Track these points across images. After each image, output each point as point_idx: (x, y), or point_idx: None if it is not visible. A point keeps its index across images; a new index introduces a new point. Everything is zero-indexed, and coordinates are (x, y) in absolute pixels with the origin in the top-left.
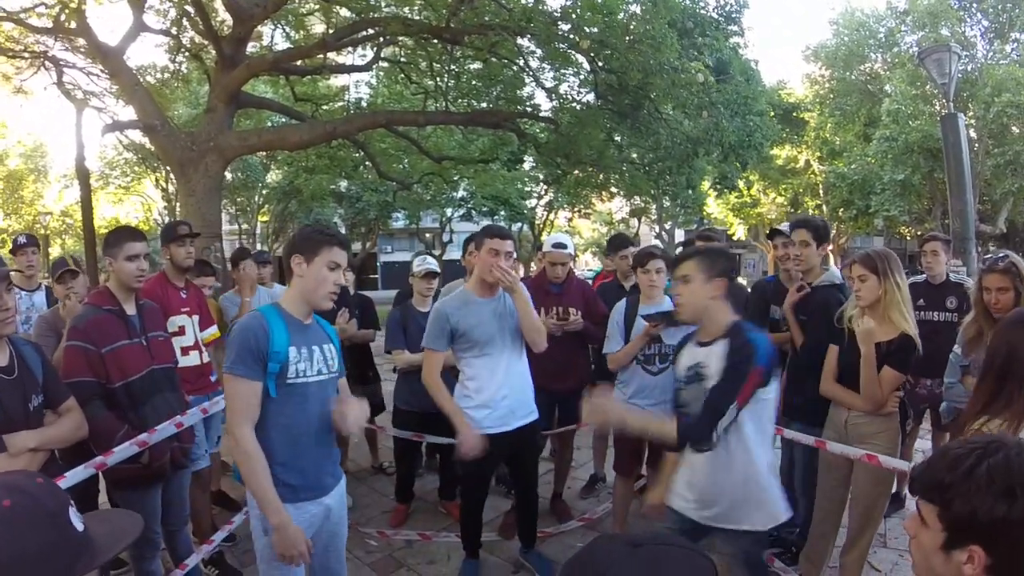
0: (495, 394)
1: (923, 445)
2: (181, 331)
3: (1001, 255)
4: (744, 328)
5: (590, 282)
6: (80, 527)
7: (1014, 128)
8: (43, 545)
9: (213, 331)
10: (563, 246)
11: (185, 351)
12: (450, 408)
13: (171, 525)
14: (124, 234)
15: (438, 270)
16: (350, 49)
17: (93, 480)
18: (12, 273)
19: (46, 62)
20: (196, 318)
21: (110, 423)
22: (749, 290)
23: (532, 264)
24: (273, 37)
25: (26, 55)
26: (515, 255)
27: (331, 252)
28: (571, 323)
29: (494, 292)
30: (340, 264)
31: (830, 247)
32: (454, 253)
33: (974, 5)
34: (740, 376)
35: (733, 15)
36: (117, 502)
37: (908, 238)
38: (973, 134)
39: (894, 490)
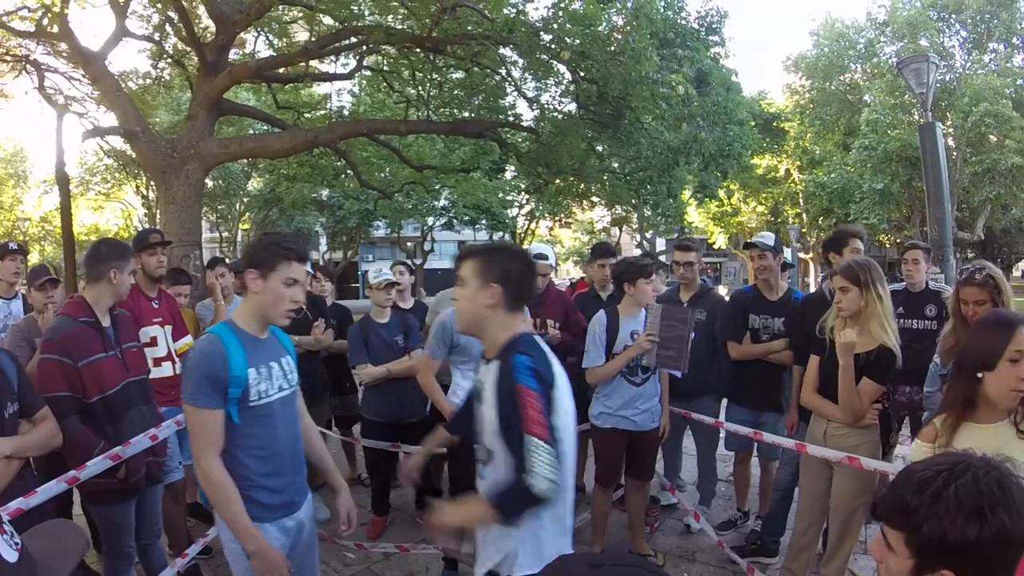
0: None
1: (904, 452)
2: (153, 342)
3: (978, 267)
4: (514, 346)
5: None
6: (12, 557)
7: (991, 137)
8: None
9: (187, 341)
10: (544, 257)
11: (157, 362)
12: (446, 407)
13: (144, 539)
14: (129, 249)
15: (393, 279)
16: (333, 57)
17: (67, 492)
18: None
19: (27, 66)
20: (169, 328)
21: (87, 439)
22: (727, 299)
23: None
24: (256, 44)
25: (7, 58)
26: (544, 265)
27: (289, 268)
28: (549, 337)
29: None
30: (299, 280)
31: (809, 255)
32: (435, 262)
33: (953, 16)
34: (515, 406)
35: (714, 26)
36: (92, 516)
37: (887, 246)
38: (951, 143)
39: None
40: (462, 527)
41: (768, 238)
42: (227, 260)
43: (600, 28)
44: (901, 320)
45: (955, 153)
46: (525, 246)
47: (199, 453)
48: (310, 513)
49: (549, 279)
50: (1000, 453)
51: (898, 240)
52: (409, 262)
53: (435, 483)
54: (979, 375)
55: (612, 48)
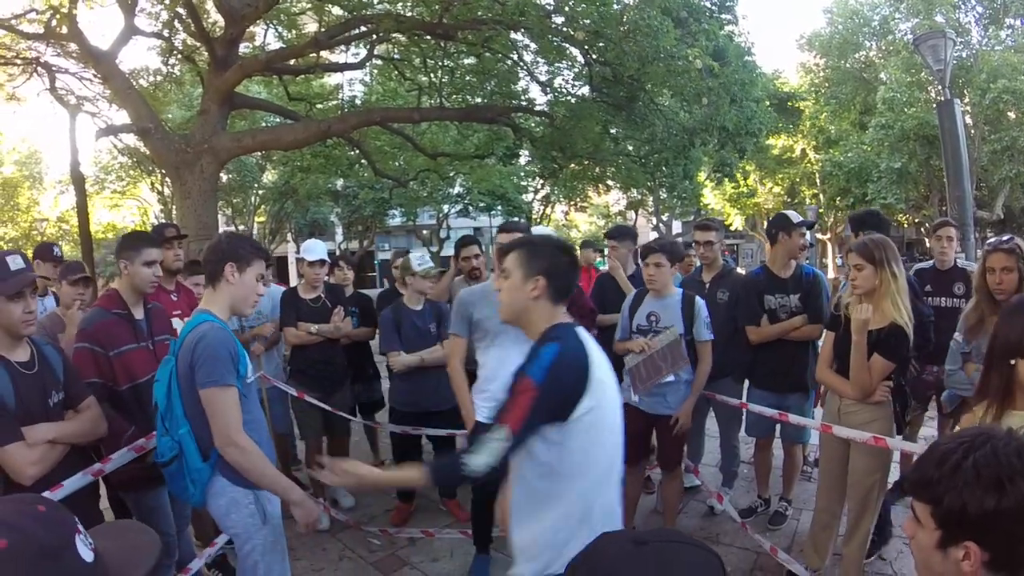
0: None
1: (929, 433)
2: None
3: (1006, 237)
4: (548, 335)
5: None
6: (89, 557)
7: (1010, 114)
8: None
9: None
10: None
11: None
12: (464, 398)
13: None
14: (143, 239)
15: (433, 269)
16: (343, 47)
17: (95, 484)
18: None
19: (38, 68)
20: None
21: (117, 423)
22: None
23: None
24: (265, 37)
25: (18, 61)
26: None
27: (259, 265)
28: None
29: None
30: (263, 276)
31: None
32: (452, 249)
33: None
34: (509, 394)
35: (727, 3)
36: (128, 505)
37: (905, 226)
38: (969, 120)
39: (898, 476)
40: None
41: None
42: None
43: (613, 7)
44: (929, 298)
45: (973, 131)
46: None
47: (233, 429)
48: None
49: None
50: None
51: (916, 220)
52: (431, 250)
53: None
54: (1012, 362)
55: (626, 26)
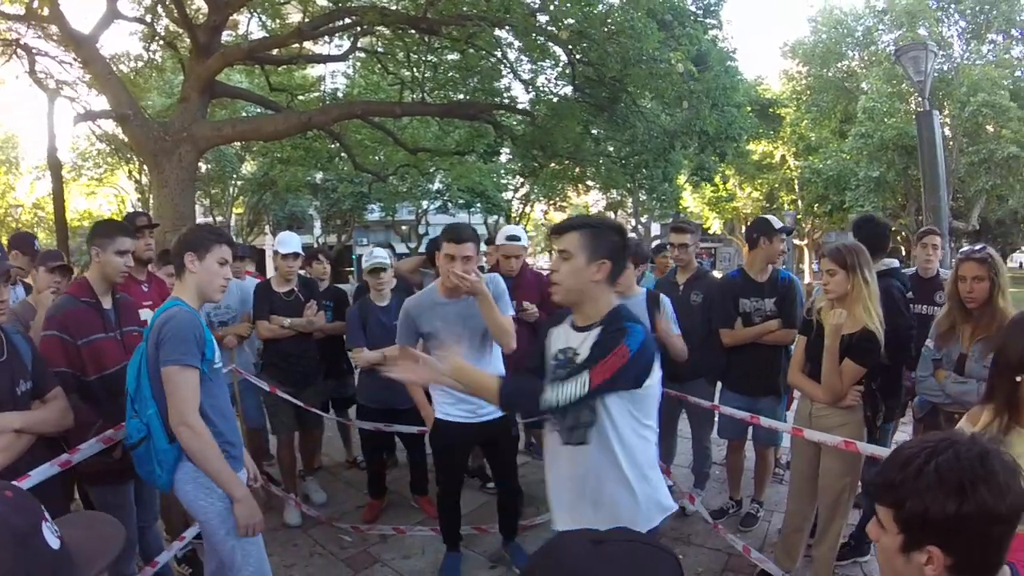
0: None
1: (903, 438)
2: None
3: (979, 246)
4: (623, 315)
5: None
6: (55, 543)
7: (988, 127)
8: (10, 571)
9: None
10: (516, 238)
11: None
12: (420, 399)
13: (141, 521)
14: (116, 228)
15: (386, 264)
16: (326, 39)
17: (68, 476)
18: None
19: (18, 50)
20: None
21: (86, 415)
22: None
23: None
24: (249, 26)
25: None
26: (478, 255)
27: (220, 249)
28: (528, 314)
29: (459, 293)
30: (228, 260)
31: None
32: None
33: (952, 6)
34: (603, 351)
35: (711, 8)
36: (91, 499)
37: None
38: (948, 132)
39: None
40: None
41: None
42: None
43: (598, 8)
44: (911, 305)
45: (951, 142)
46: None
47: (187, 411)
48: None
49: (523, 260)
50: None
51: (893, 228)
52: (409, 246)
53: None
54: (1017, 379)
55: (610, 27)
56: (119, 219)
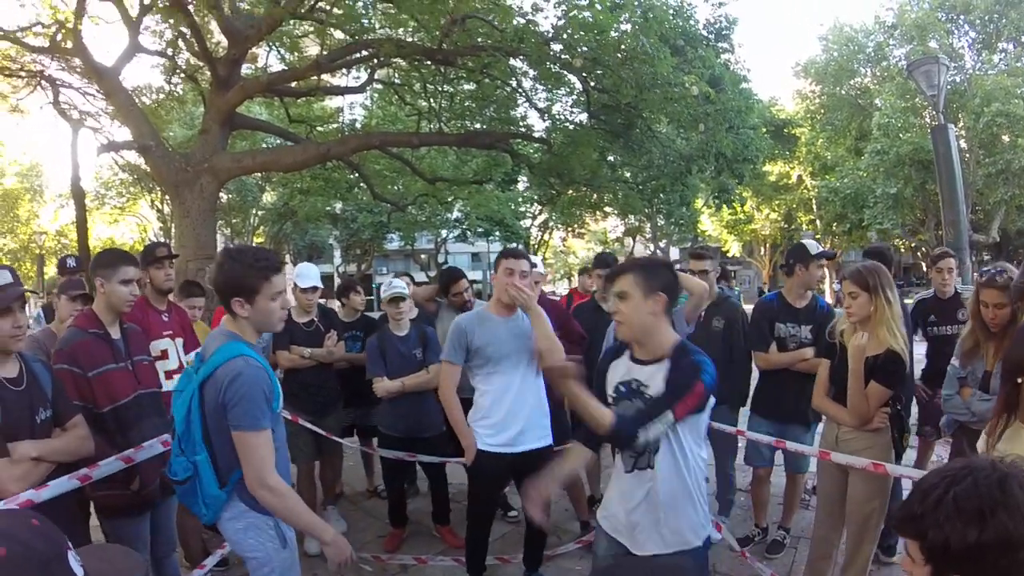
0: (505, 413)
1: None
2: (164, 355)
3: (999, 269)
4: (691, 349)
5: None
6: (79, 572)
7: (1004, 137)
8: None
9: None
10: (532, 266)
11: (169, 375)
12: (460, 425)
13: (158, 552)
14: (119, 257)
15: (405, 293)
16: (344, 71)
17: (83, 507)
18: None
19: (42, 81)
20: (180, 341)
21: (100, 449)
22: (752, 307)
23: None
24: (268, 59)
25: (22, 74)
26: (535, 273)
27: (272, 284)
28: None
29: (512, 312)
30: (284, 290)
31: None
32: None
33: (962, 17)
34: (683, 388)
35: (723, 32)
36: (106, 531)
37: (902, 251)
38: (964, 145)
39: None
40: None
41: (813, 245)
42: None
43: (611, 35)
44: (935, 328)
45: (968, 155)
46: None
47: (265, 473)
48: None
49: (540, 287)
50: None
51: (912, 244)
52: (429, 275)
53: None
54: (1019, 380)
55: (624, 53)
56: (120, 248)
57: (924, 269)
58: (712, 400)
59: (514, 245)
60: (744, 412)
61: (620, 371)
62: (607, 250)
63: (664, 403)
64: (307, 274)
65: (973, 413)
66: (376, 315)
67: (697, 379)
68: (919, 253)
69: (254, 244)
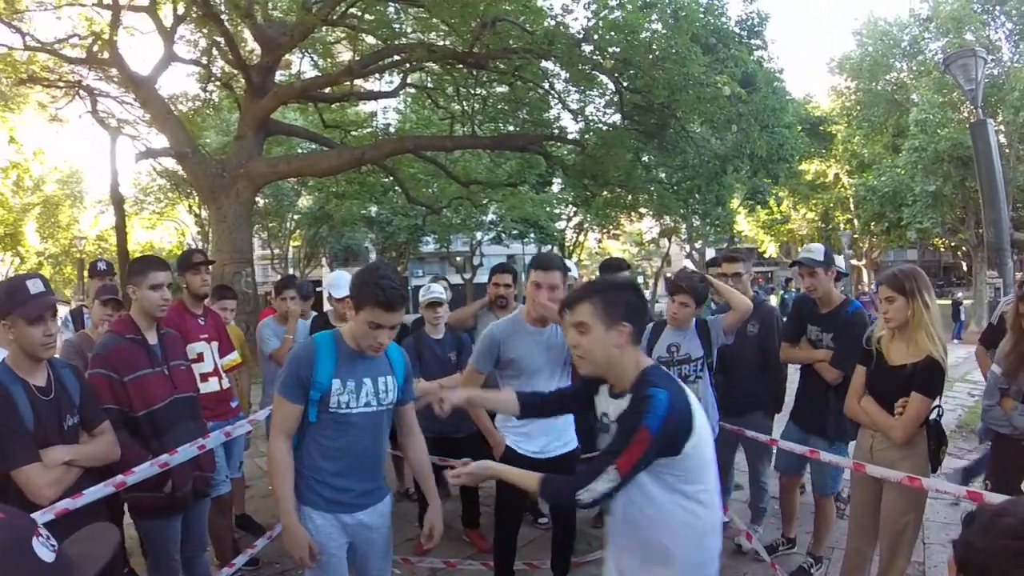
0: (538, 423)
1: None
2: (200, 358)
3: None
4: (648, 380)
5: None
6: (49, 557)
7: None
8: None
9: (233, 357)
10: (567, 271)
11: (204, 378)
12: (486, 426)
13: (189, 552)
14: (148, 263)
15: (443, 299)
16: (377, 76)
17: (117, 507)
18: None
19: (80, 91)
20: (215, 344)
21: (134, 452)
22: (779, 306)
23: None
24: (301, 65)
25: (61, 84)
26: (565, 284)
27: (372, 313)
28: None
29: (545, 323)
30: (382, 325)
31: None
32: (485, 276)
33: (997, 8)
34: (625, 435)
35: (756, 28)
36: (138, 530)
37: (942, 250)
38: (1003, 140)
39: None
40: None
41: (816, 252)
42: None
43: (642, 35)
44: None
45: (1008, 150)
46: (573, 258)
47: (274, 435)
48: (381, 520)
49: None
50: None
51: (952, 244)
52: (464, 277)
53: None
54: None
55: (655, 54)
56: (151, 255)
57: (964, 269)
58: (703, 434)
59: (548, 248)
60: (779, 419)
61: (602, 399)
62: (644, 252)
63: (606, 459)
64: (340, 283)
65: (1015, 427)
66: (408, 317)
67: (639, 426)
68: (959, 252)
69: (291, 247)
